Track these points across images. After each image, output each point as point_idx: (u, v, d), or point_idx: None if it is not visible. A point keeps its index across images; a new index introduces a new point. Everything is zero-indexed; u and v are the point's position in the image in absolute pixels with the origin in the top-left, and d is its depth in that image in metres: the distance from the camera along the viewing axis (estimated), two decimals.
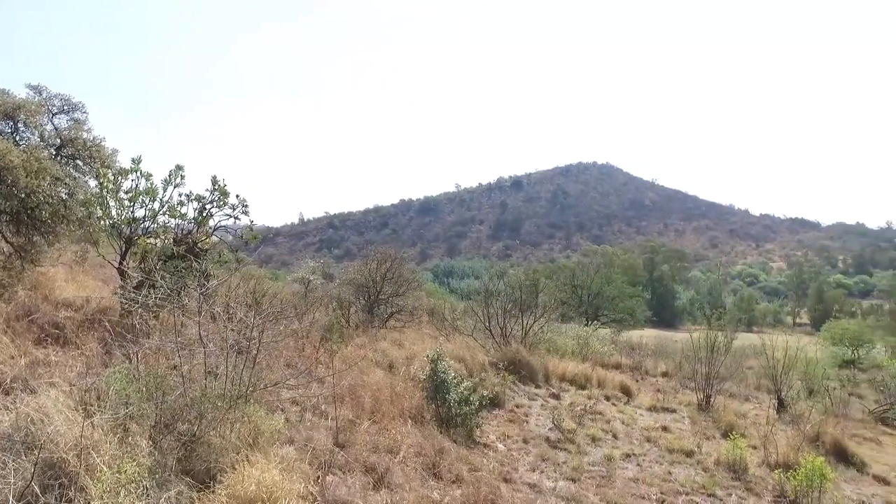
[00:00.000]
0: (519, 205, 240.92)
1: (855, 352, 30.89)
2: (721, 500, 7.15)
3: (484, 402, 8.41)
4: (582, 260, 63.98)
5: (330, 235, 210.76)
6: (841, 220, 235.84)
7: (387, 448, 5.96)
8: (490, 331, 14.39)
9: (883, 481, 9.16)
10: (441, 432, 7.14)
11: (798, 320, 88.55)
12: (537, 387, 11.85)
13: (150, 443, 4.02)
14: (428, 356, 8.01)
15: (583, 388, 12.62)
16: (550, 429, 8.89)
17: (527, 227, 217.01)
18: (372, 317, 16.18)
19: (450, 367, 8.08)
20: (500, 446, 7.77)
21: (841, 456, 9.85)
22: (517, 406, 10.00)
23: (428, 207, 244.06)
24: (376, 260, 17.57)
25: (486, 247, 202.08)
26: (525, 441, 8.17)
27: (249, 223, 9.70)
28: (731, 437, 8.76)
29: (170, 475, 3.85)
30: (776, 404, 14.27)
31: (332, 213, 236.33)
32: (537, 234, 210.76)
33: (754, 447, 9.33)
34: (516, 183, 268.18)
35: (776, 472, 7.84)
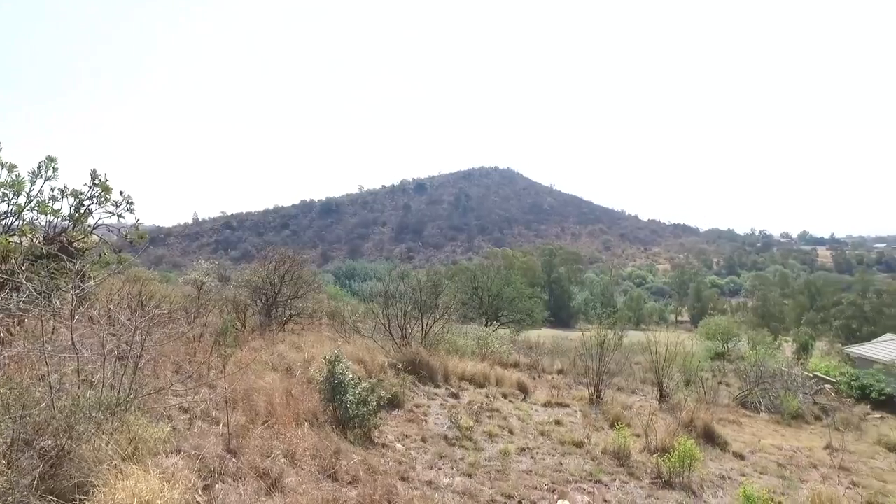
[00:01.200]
0: (422, 207, 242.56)
1: (725, 345, 33.99)
2: (606, 485, 7.60)
3: (382, 403, 8.40)
4: (483, 262, 65.43)
5: (226, 236, 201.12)
6: (715, 226, 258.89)
7: (281, 452, 5.79)
8: (390, 332, 14.37)
9: (740, 457, 10.27)
10: (338, 434, 7.05)
11: (680, 318, 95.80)
12: (437, 386, 11.99)
13: (4, 463, 3.65)
14: (325, 358, 7.87)
15: (481, 386, 12.93)
16: (449, 427, 9.03)
17: (429, 229, 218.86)
18: (270, 320, 15.65)
19: (348, 369, 7.99)
20: (399, 446, 7.79)
21: (709, 438, 10.87)
22: (416, 406, 10.07)
23: (330, 209, 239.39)
24: (275, 261, 17.03)
25: (388, 249, 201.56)
26: (423, 440, 8.24)
27: (135, 222, 9.07)
28: (617, 427, 9.33)
29: (27, 496, 3.52)
30: (658, 395, 15.40)
31: (228, 213, 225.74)
32: (440, 237, 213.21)
33: (638, 435, 10.00)
34: (420, 186, 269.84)
35: (654, 456, 8.49)
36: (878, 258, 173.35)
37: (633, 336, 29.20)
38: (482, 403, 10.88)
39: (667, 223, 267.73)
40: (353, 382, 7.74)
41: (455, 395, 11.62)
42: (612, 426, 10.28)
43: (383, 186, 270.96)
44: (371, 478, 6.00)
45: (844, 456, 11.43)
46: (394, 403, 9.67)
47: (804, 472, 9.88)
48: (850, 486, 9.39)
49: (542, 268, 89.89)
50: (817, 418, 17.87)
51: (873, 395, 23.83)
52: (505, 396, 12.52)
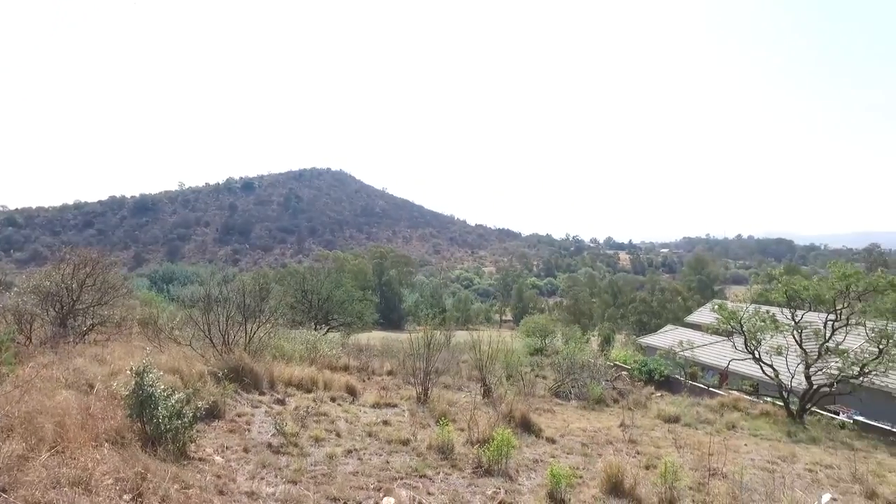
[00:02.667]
0: (250, 207, 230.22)
1: (542, 341, 37.11)
2: (431, 479, 7.89)
3: (200, 414, 7.82)
4: (313, 265, 63.99)
5: (9, 234, 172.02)
6: (536, 231, 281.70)
7: (73, 480, 5.11)
8: (211, 339, 13.43)
9: (552, 441, 11.33)
10: (147, 452, 6.41)
11: (504, 317, 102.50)
12: (261, 393, 11.48)
13: None
14: (133, 370, 7.11)
15: (309, 391, 12.66)
16: (273, 434, 8.70)
17: (258, 230, 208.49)
18: (66, 330, 13.73)
19: (160, 380, 7.30)
20: (218, 458, 7.31)
21: (526, 426, 11.81)
22: (239, 415, 9.54)
23: (145, 206, 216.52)
24: (72, 263, 14.99)
25: (212, 251, 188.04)
26: (246, 450, 7.84)
27: None
28: (442, 423, 9.72)
29: None
30: (482, 390, 16.33)
31: (12, 208, 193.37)
32: (269, 239, 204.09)
33: (462, 430, 10.51)
34: (247, 185, 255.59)
35: (476, 447, 9.01)
36: (663, 261, 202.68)
37: (461, 336, 30.60)
38: (309, 408, 10.64)
39: (492, 228, 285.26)
40: (165, 394, 7.10)
41: (281, 402, 11.22)
42: (437, 422, 10.68)
43: (207, 184, 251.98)
44: (184, 495, 5.56)
45: (633, 431, 13.17)
46: (214, 414, 9.06)
47: (602, 448, 11.16)
48: (636, 454, 10.84)
49: (374, 270, 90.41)
50: (615, 401, 20.30)
51: (656, 376, 27.75)
52: (333, 400, 12.39)
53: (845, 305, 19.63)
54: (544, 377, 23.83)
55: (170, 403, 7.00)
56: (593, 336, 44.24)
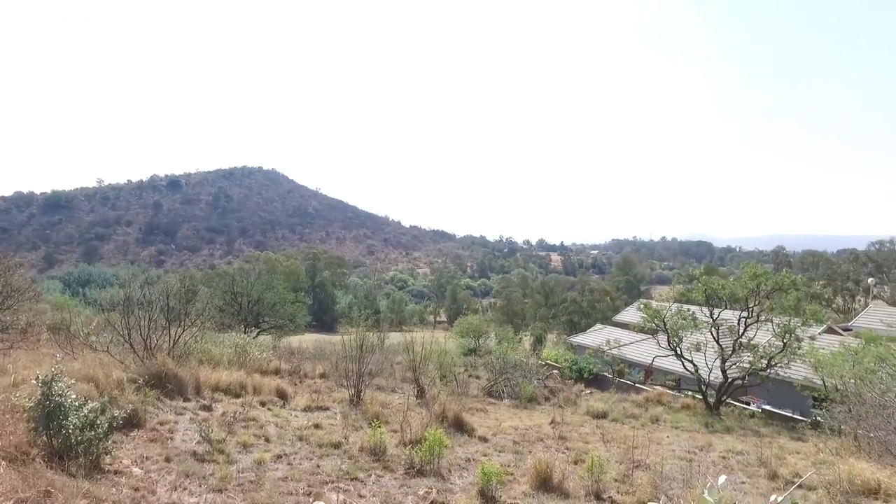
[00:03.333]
0: (176, 206, 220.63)
1: (476, 341, 37.50)
2: (362, 481, 7.80)
3: (117, 424, 7.39)
4: (244, 266, 62.02)
5: None
6: (470, 233, 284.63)
7: None
8: (131, 345, 12.74)
9: (484, 440, 11.46)
10: (54, 468, 5.99)
11: (438, 318, 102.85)
12: (186, 400, 11.00)
13: None
14: (39, 379, 6.63)
15: (238, 396, 12.25)
16: (198, 442, 8.35)
17: (184, 230, 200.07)
18: None
19: (70, 389, 6.84)
20: (136, 470, 6.94)
21: (459, 426, 11.90)
22: (161, 423, 9.09)
23: (58, 204, 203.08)
24: None
25: (135, 251, 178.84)
26: (168, 460, 7.48)
27: None
28: (374, 424, 9.63)
29: None
30: (416, 391, 16.31)
31: None
32: (196, 239, 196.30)
33: (395, 431, 10.46)
34: (174, 183, 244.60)
35: (408, 448, 8.98)
36: (593, 262, 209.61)
37: (395, 337, 30.46)
38: (237, 413, 10.30)
39: (427, 229, 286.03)
40: (76, 404, 6.66)
41: (207, 408, 10.79)
42: (370, 424, 10.58)
43: (129, 181, 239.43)
44: None
45: (563, 428, 13.53)
46: (133, 423, 8.60)
47: (533, 445, 11.39)
48: (565, 450, 11.14)
49: (306, 272, 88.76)
50: (547, 399, 20.80)
51: (586, 374, 28.62)
52: (263, 404, 12.04)
53: (756, 303, 20.97)
54: (478, 377, 24.09)
55: (83, 413, 6.58)
56: (526, 336, 45.13)
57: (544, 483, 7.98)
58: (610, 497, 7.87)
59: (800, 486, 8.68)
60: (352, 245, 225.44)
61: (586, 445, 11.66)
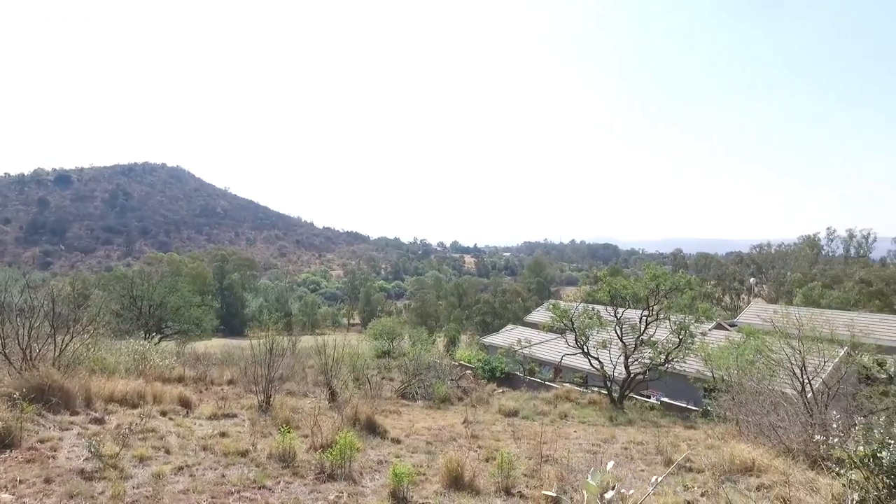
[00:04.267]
0: (66, 203, 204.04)
1: (390, 343, 37.36)
2: (270, 489, 7.53)
3: None
4: (145, 268, 58.34)
5: None
6: (384, 235, 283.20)
7: None
8: (6, 355, 11.62)
9: (397, 441, 11.45)
10: None
11: (352, 321, 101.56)
12: (74, 414, 10.15)
13: None
14: None
15: (135, 406, 11.49)
16: (87, 459, 7.73)
17: (76, 230, 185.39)
18: None
19: None
20: (5, 496, 6.31)
21: (371, 429, 11.81)
22: (42, 441, 8.33)
23: None
24: None
25: (14, 252, 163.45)
26: (48, 481, 6.85)
27: None
28: (283, 430, 9.34)
29: None
30: (328, 395, 16.01)
31: None
32: (90, 239, 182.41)
33: (306, 436, 10.20)
34: (63, 178, 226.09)
35: (318, 453, 8.79)
36: (505, 264, 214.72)
37: (308, 341, 29.78)
38: (133, 425, 9.64)
39: (341, 231, 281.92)
40: None
41: (99, 421, 10.02)
42: (280, 430, 10.27)
43: (7, 175, 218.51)
44: None
45: (475, 426, 13.77)
46: (6, 443, 7.82)
47: (446, 445, 11.48)
48: (477, 448, 11.33)
49: (214, 274, 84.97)
50: (460, 399, 21.07)
51: (498, 373, 29.28)
52: (164, 414, 11.36)
53: (656, 302, 22.36)
54: (391, 379, 24.03)
55: None
56: (440, 337, 45.52)
57: (456, 481, 8.06)
58: (519, 492, 8.08)
59: (690, 470, 9.35)
60: (263, 247, 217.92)
61: (498, 443, 11.91)
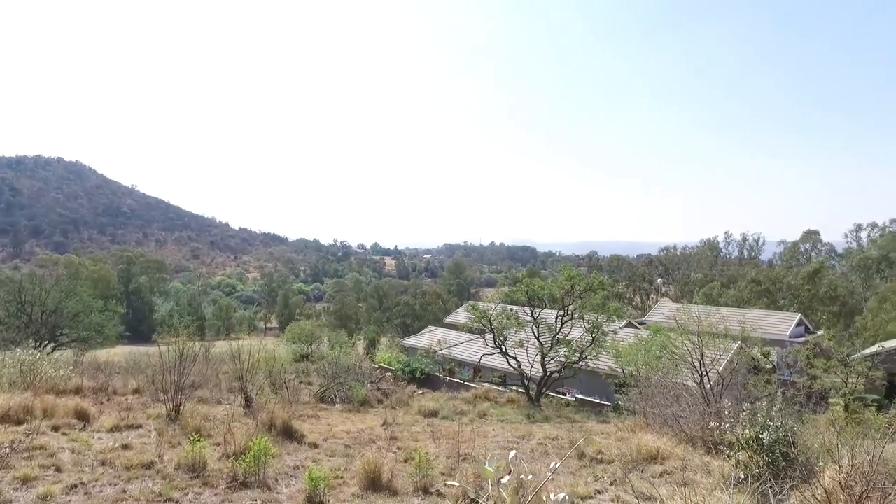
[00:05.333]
0: None
1: (309, 347, 36.55)
2: (178, 501, 7.17)
3: None
4: (36, 271, 53.81)
5: None
6: (303, 236, 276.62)
7: None
8: None
9: (314, 446, 11.23)
10: None
11: (269, 325, 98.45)
12: None
13: None
14: None
15: (20, 423, 10.54)
16: None
17: None
18: None
19: None
20: None
21: (288, 434, 11.50)
22: None
23: None
24: None
25: None
26: None
27: None
28: (194, 439, 8.91)
29: None
30: (243, 401, 15.42)
31: None
32: None
33: (218, 444, 9.78)
34: None
35: (231, 461, 8.45)
36: (426, 266, 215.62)
37: (222, 346, 28.57)
38: (16, 443, 8.84)
39: (258, 232, 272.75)
40: None
41: None
42: (190, 439, 9.79)
43: None
44: None
45: (395, 428, 13.72)
46: None
47: (364, 447, 11.36)
48: (396, 450, 11.31)
49: (119, 277, 79.83)
50: (380, 401, 20.93)
51: (418, 375, 29.35)
52: (56, 429, 10.51)
53: (571, 302, 23.22)
54: (310, 383, 23.52)
55: None
56: (359, 340, 45.04)
57: (373, 483, 8.00)
58: (437, 490, 8.14)
59: (601, 461, 9.78)
60: (174, 248, 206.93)
61: (417, 444, 11.93)
